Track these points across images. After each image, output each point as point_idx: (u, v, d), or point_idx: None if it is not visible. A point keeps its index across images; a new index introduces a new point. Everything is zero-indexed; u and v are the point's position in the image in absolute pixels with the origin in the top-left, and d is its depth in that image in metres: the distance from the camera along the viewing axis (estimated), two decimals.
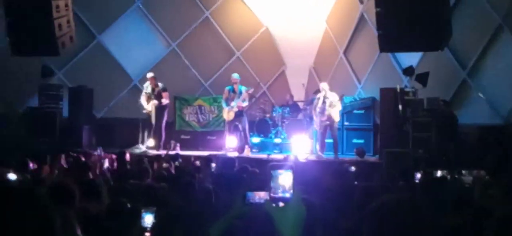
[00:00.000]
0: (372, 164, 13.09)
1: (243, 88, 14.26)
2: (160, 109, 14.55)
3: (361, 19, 16.43)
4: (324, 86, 14.06)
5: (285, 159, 10.76)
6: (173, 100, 16.17)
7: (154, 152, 13.95)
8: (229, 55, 17.79)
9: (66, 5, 13.81)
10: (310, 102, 15.53)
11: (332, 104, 13.59)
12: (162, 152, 13.86)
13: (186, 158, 12.00)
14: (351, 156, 14.16)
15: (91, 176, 7.16)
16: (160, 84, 14.66)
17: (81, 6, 16.43)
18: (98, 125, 16.05)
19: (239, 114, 14.28)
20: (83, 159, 9.61)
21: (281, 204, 2.37)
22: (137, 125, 14.75)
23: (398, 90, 13.32)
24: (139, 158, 10.57)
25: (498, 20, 13.89)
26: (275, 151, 14.90)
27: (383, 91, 13.94)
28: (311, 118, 15.01)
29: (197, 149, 15.55)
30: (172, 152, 13.74)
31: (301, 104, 16.73)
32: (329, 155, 13.94)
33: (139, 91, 15.94)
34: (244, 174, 7.19)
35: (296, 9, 17.26)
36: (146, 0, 17.35)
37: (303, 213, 2.39)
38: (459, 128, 13.11)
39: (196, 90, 17.42)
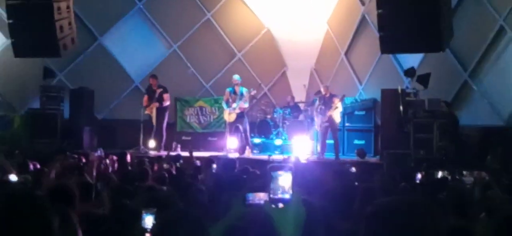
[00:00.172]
0: (373, 165, 13.07)
1: (244, 90, 14.25)
2: (161, 110, 14.57)
3: (363, 20, 16.43)
4: (325, 87, 14.09)
5: (286, 160, 10.74)
6: (174, 102, 16.18)
7: (155, 153, 13.96)
8: (231, 56, 17.78)
9: (68, 7, 13.84)
10: (311, 103, 15.55)
11: (333, 105, 13.59)
12: (163, 153, 13.86)
13: (187, 159, 11.99)
14: (352, 157, 14.15)
15: (90, 177, 7.15)
16: (161, 86, 14.67)
17: (83, 8, 16.46)
18: (99, 127, 16.07)
19: (240, 116, 14.28)
20: (83, 160, 9.61)
21: (280, 205, 2.38)
22: (138, 127, 14.76)
23: (399, 91, 13.31)
24: (140, 160, 10.56)
25: (499, 21, 13.88)
26: (276, 152, 14.89)
27: (384, 92, 13.94)
28: (312, 119, 15.02)
29: (198, 150, 15.55)
30: (173, 153, 13.75)
31: (302, 105, 16.74)
32: (330, 156, 13.94)
33: (140, 92, 15.97)
34: (245, 175, 7.19)
35: (297, 11, 17.27)
36: (147, 2, 17.36)
37: (302, 214, 2.40)
38: (460, 130, 13.10)
39: (197, 92, 17.42)
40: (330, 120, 13.70)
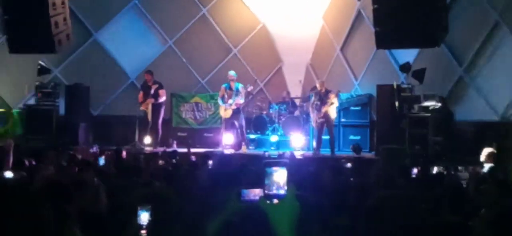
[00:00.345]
0: (368, 161, 13.09)
1: (240, 86, 14.24)
2: (156, 106, 14.55)
3: (358, 15, 16.43)
4: (320, 83, 14.10)
5: (281, 156, 10.75)
6: (169, 97, 16.16)
7: (150, 149, 13.95)
8: (226, 52, 17.77)
9: (63, 3, 13.81)
10: (307, 99, 15.56)
11: (329, 101, 13.61)
12: (159, 149, 13.86)
13: (183, 155, 11.99)
14: (348, 153, 14.16)
15: (86, 173, 7.14)
16: (156, 82, 14.65)
17: (78, 4, 16.43)
18: (94, 123, 16.04)
19: (236, 111, 14.27)
20: (79, 156, 9.60)
21: (275, 201, 2.38)
22: (133, 123, 14.74)
23: (395, 86, 13.34)
24: (136, 156, 10.56)
25: (495, 17, 13.90)
26: (272, 148, 14.90)
27: (380, 87, 13.96)
28: (307, 115, 15.04)
29: (193, 146, 15.54)
30: (169, 150, 13.75)
31: (297, 101, 16.75)
32: (326, 152, 13.95)
33: (136, 88, 15.95)
34: (241, 171, 7.19)
35: (293, 6, 17.27)
36: None
37: (297, 209, 2.40)
38: (455, 125, 13.12)
39: (193, 87, 17.41)
40: (326, 116, 13.70)
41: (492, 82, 13.99)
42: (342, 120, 15.23)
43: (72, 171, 7.45)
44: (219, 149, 14.19)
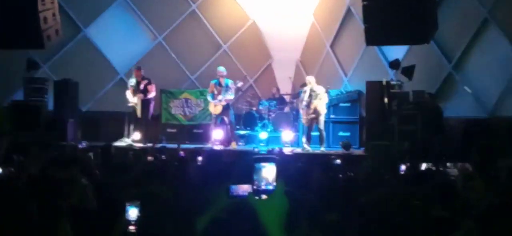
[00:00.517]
0: (357, 157, 13.11)
1: (229, 82, 14.23)
2: (146, 102, 14.50)
3: (348, 12, 16.46)
4: (310, 79, 14.10)
5: (270, 152, 10.76)
6: (159, 93, 16.12)
7: (140, 145, 13.91)
8: (216, 48, 17.75)
9: None
10: (296, 95, 15.57)
11: (318, 97, 13.63)
12: (148, 145, 13.81)
13: (172, 151, 11.95)
14: (337, 149, 14.19)
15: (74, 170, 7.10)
16: (146, 77, 14.60)
17: None
18: (83, 119, 15.97)
19: (225, 108, 14.26)
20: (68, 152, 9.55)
21: (264, 196, 2.38)
22: (123, 119, 14.68)
23: (384, 83, 13.36)
24: (125, 152, 10.52)
25: (484, 14, 13.96)
26: (262, 144, 14.90)
27: (369, 84, 13.98)
28: (297, 112, 15.06)
29: (183, 142, 15.50)
30: (158, 145, 13.71)
31: (287, 97, 16.76)
32: (315, 148, 13.97)
33: (125, 84, 15.89)
34: (230, 167, 7.18)
35: (283, 3, 17.29)
36: None
37: (286, 205, 2.40)
38: (444, 121, 13.16)
39: (182, 83, 17.38)
40: (316, 112, 13.72)
41: (481, 79, 14.06)
42: (332, 116, 15.25)
43: (61, 167, 7.40)
44: (209, 145, 14.18)
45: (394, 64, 13.78)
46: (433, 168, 9.38)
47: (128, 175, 7.02)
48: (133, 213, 3.88)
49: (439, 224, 4.39)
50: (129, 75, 15.54)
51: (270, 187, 2.40)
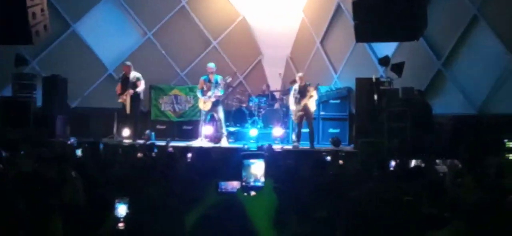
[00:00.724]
0: (347, 154, 13.13)
1: (219, 78, 14.19)
2: (135, 98, 14.44)
3: (338, 9, 16.48)
4: (300, 76, 14.12)
5: (259, 148, 10.76)
6: (148, 90, 16.07)
7: (129, 141, 13.86)
8: (206, 44, 17.72)
9: None
10: (286, 92, 15.58)
11: (308, 94, 13.64)
12: (138, 142, 13.77)
13: (162, 148, 11.93)
14: (327, 146, 14.20)
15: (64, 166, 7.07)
16: (135, 73, 14.53)
17: None
18: (72, 115, 15.89)
19: (215, 104, 14.22)
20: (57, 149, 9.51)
21: (252, 192, 2.38)
22: (112, 115, 14.63)
23: (374, 80, 13.38)
24: (114, 148, 10.48)
25: (473, 11, 14.01)
26: (252, 140, 14.90)
27: (359, 81, 13.99)
28: (287, 108, 15.06)
29: (172, 139, 15.49)
30: (148, 142, 13.67)
31: (277, 94, 16.76)
32: (305, 145, 13.98)
33: (114, 80, 15.83)
34: (220, 164, 7.17)
35: None
36: None
37: (274, 201, 2.40)
38: (433, 118, 13.21)
39: (172, 80, 17.33)
40: (305, 109, 13.73)
41: (470, 76, 14.12)
42: (322, 113, 15.30)
43: (50, 164, 7.37)
44: (198, 141, 14.15)
45: (384, 61, 13.81)
46: (423, 165, 9.41)
47: (117, 171, 7.00)
48: (122, 210, 3.87)
49: (428, 220, 4.40)
50: (118, 71, 15.48)
51: (259, 184, 2.40)
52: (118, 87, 14.52)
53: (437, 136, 12.93)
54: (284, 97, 15.90)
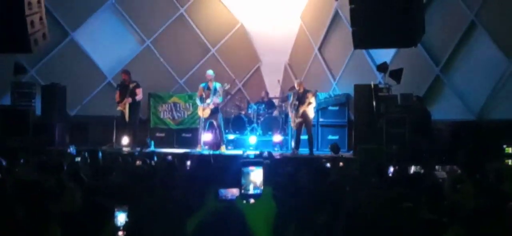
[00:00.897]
0: (346, 160, 13.13)
1: (218, 85, 14.21)
2: (134, 105, 14.45)
3: (336, 15, 16.50)
4: (298, 82, 14.14)
5: (259, 155, 10.76)
6: (147, 98, 16.07)
7: (128, 149, 13.86)
8: (204, 52, 17.73)
9: (39, 2, 13.64)
10: (285, 98, 15.59)
11: (307, 101, 13.66)
12: (137, 149, 13.76)
13: (161, 155, 11.93)
14: (326, 153, 14.20)
15: (63, 174, 7.07)
16: (134, 81, 14.55)
17: (54, 3, 16.30)
18: (71, 123, 15.89)
19: (214, 111, 14.23)
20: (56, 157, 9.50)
21: (251, 200, 2.38)
22: (111, 123, 14.63)
23: (372, 86, 13.40)
24: (113, 156, 10.47)
25: (470, 17, 14.05)
26: (251, 148, 14.89)
27: (358, 87, 14.02)
28: (286, 115, 15.07)
29: (172, 146, 15.51)
30: (147, 150, 13.68)
31: (276, 101, 16.76)
32: (304, 152, 13.98)
33: (113, 88, 15.84)
34: (219, 171, 7.17)
35: (270, 6, 17.29)
36: None
37: (273, 209, 2.40)
38: (432, 124, 13.22)
39: (171, 87, 17.34)
40: (304, 116, 13.75)
41: (468, 82, 14.14)
42: (320, 120, 15.32)
43: (49, 172, 7.36)
44: (198, 149, 14.15)
45: (382, 67, 13.84)
46: (422, 171, 9.41)
47: (117, 179, 7.00)
48: (121, 218, 3.87)
49: (428, 226, 4.40)
50: (117, 79, 15.47)
51: (258, 191, 2.41)
52: (117, 95, 14.53)
53: (436, 142, 12.95)
54: (283, 104, 15.91)
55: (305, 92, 13.87)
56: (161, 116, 16.43)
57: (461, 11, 14.16)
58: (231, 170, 7.19)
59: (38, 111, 15.21)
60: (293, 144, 14.18)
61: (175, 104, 16.44)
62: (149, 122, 16.34)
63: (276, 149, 14.68)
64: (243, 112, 16.15)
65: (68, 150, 12.10)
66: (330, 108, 15.44)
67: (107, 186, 6.20)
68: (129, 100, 14.28)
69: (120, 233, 3.86)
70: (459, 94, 14.27)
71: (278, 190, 2.98)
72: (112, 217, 3.88)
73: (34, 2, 13.36)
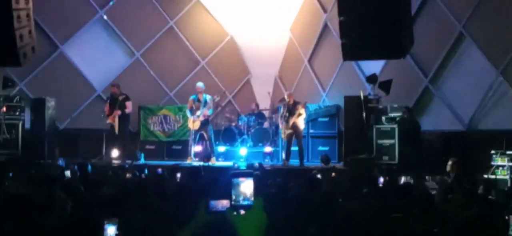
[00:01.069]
0: (337, 171, 13.13)
1: (208, 97, 14.20)
2: (123, 118, 14.40)
3: (325, 27, 16.55)
4: (288, 94, 14.17)
5: (250, 167, 10.76)
6: (137, 110, 16.04)
7: (118, 162, 13.81)
8: (194, 64, 17.73)
9: (28, 15, 13.60)
10: (275, 110, 15.61)
11: (298, 113, 13.68)
12: (127, 162, 13.72)
13: (151, 168, 11.91)
14: (317, 164, 14.22)
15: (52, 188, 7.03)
16: (123, 93, 14.51)
17: (43, 16, 16.25)
18: (61, 136, 15.81)
19: (204, 123, 14.22)
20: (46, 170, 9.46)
21: (242, 211, 2.38)
22: (100, 136, 14.58)
23: (362, 97, 13.44)
24: (103, 169, 10.44)
25: (459, 28, 14.14)
26: (241, 160, 14.88)
27: (347, 99, 14.05)
28: (276, 127, 15.08)
29: (162, 159, 15.47)
30: (137, 163, 13.64)
31: (266, 113, 16.78)
32: (295, 163, 13.99)
33: (102, 101, 15.79)
34: (209, 183, 7.16)
35: (260, 18, 17.33)
36: (109, 10, 17.21)
37: (264, 220, 2.40)
38: (422, 135, 13.28)
39: (161, 100, 17.31)
40: (295, 127, 13.76)
41: (457, 92, 14.21)
42: (311, 131, 15.35)
43: (39, 186, 7.32)
44: (188, 161, 14.13)
45: (371, 79, 13.89)
46: (412, 181, 9.45)
47: (107, 192, 6.97)
48: (111, 231, 3.85)
49: None
50: (106, 92, 15.41)
51: (248, 202, 2.40)
52: (106, 108, 14.49)
53: (426, 153, 13.00)
54: (274, 116, 15.92)
55: (295, 103, 13.89)
56: (151, 129, 16.39)
57: (450, 22, 14.25)
58: (222, 181, 7.20)
59: (27, 125, 15.13)
60: (283, 155, 14.18)
61: (165, 116, 16.42)
62: (139, 135, 16.30)
63: (266, 160, 14.69)
64: (233, 124, 16.15)
65: (58, 163, 12.06)
66: (320, 119, 15.48)
67: (97, 199, 6.18)
68: (119, 112, 14.24)
69: None
70: (449, 105, 14.34)
71: (269, 202, 2.98)
72: (102, 230, 3.85)
73: (23, 16, 13.32)
